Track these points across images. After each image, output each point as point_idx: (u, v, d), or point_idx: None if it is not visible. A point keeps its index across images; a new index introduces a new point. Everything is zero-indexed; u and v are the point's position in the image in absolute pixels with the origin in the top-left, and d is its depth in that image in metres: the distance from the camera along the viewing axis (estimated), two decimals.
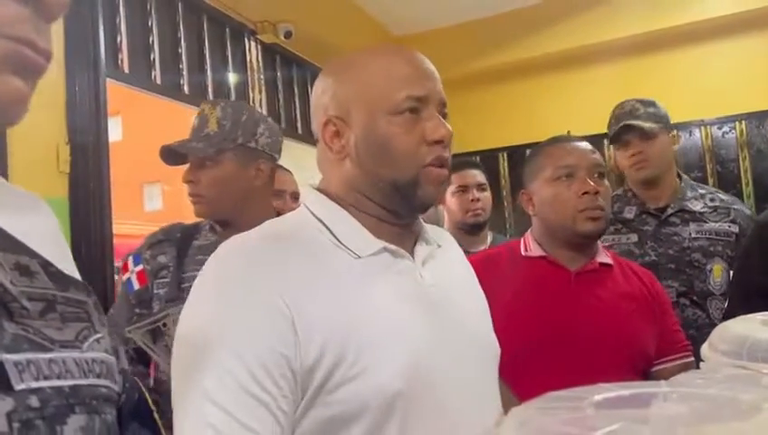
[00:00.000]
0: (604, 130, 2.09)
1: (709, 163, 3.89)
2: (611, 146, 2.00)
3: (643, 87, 3.99)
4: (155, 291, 1.51)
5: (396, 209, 0.88)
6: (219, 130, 1.49)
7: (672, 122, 2.04)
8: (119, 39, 2.47)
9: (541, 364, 1.29)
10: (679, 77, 3.84)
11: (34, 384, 0.42)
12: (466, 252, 1.12)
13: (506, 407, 0.91)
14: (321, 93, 0.91)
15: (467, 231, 2.37)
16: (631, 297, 1.41)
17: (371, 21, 4.08)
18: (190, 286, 0.80)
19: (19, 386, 0.40)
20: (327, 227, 0.85)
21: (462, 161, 2.55)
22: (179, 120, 3.32)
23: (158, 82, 2.68)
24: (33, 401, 0.41)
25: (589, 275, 1.41)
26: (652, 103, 2.02)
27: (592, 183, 1.38)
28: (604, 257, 1.45)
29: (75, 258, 0.62)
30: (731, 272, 1.89)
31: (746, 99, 3.74)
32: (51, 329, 0.46)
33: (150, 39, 2.67)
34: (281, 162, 2.06)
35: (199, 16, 2.99)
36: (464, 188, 2.37)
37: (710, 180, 3.85)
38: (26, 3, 0.45)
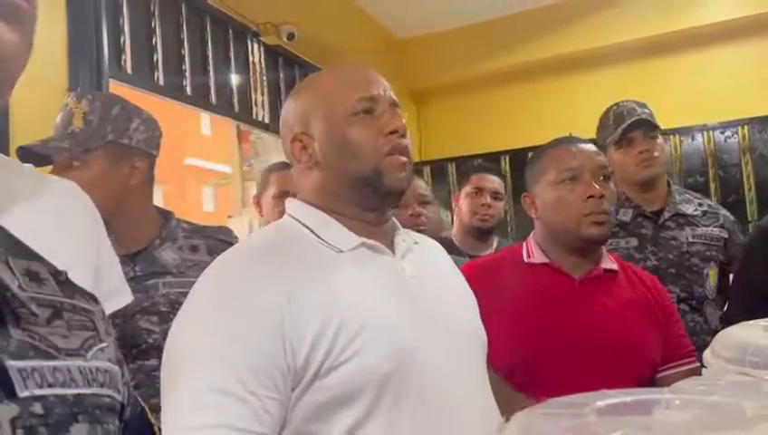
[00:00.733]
0: None
1: (712, 168, 3.89)
2: (613, 146, 1.98)
3: (646, 91, 3.99)
4: None
5: (368, 204, 0.94)
6: (86, 126, 1.35)
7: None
8: (122, 40, 2.48)
9: (544, 373, 1.27)
10: (682, 81, 3.84)
11: (38, 392, 0.41)
12: (471, 256, 1.13)
13: (497, 395, 0.94)
14: (286, 117, 0.99)
15: (474, 235, 2.38)
16: (636, 304, 1.38)
17: (374, 23, 4.08)
18: None
19: (23, 393, 0.40)
20: (310, 229, 0.92)
21: (485, 166, 2.60)
22: (182, 122, 3.32)
23: (161, 83, 2.69)
24: (37, 409, 0.41)
25: (593, 281, 1.38)
26: (646, 105, 2.02)
27: (597, 186, 1.34)
28: (609, 263, 1.42)
29: None
30: (722, 277, 1.91)
31: (749, 103, 3.74)
32: (56, 336, 0.46)
33: (154, 40, 2.67)
34: (274, 160, 2.05)
35: (202, 18, 2.99)
36: (479, 191, 2.38)
37: (712, 185, 3.85)
38: None
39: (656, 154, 1.92)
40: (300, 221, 0.94)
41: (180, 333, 0.82)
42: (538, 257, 1.42)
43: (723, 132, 3.88)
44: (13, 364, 0.41)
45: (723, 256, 1.90)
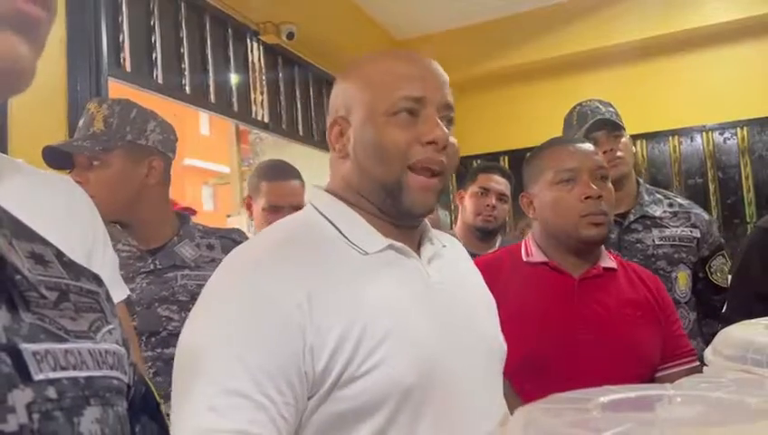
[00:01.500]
0: None
1: (710, 169, 3.89)
2: None
3: (645, 92, 4.01)
4: None
5: (388, 212, 0.88)
6: (106, 128, 1.43)
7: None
8: (121, 38, 2.47)
9: (544, 373, 1.27)
10: (681, 83, 3.85)
11: (52, 375, 0.41)
12: (473, 255, 1.12)
13: (509, 405, 0.91)
14: (334, 97, 0.92)
15: (477, 235, 2.36)
16: (636, 304, 1.38)
17: (374, 23, 4.08)
18: None
19: (38, 376, 0.40)
20: (335, 226, 0.86)
21: (493, 166, 2.55)
22: (180, 121, 3.32)
23: (160, 81, 2.68)
24: (51, 393, 0.40)
25: (592, 281, 1.38)
26: (611, 104, 1.97)
27: (595, 187, 1.34)
28: (608, 261, 1.41)
29: None
30: (695, 278, 1.83)
31: (748, 105, 3.75)
32: (65, 319, 0.45)
33: (153, 39, 2.67)
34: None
35: (202, 16, 2.99)
36: (484, 191, 2.36)
37: (711, 186, 3.85)
38: None
39: (620, 154, 1.85)
40: (325, 216, 0.87)
41: (196, 328, 0.78)
42: (537, 257, 1.42)
43: (722, 134, 3.89)
44: (27, 347, 0.40)
45: (694, 256, 1.84)
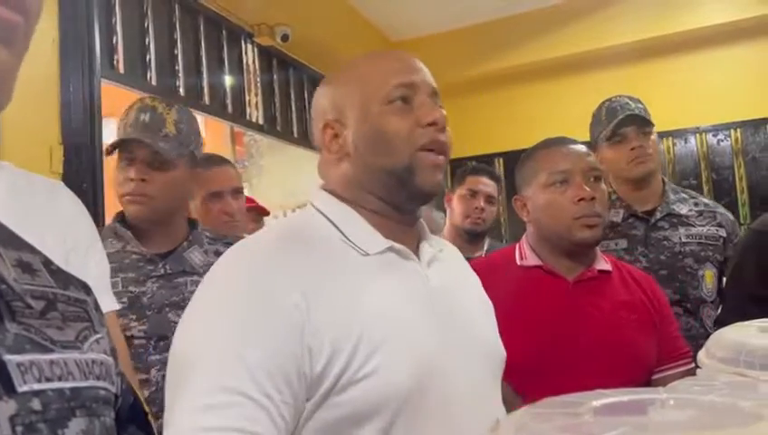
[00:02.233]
0: None
1: (704, 170, 3.90)
2: (605, 142, 1.93)
3: (639, 94, 3.98)
4: None
5: (396, 201, 0.88)
6: (177, 133, 1.45)
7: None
8: (114, 40, 2.47)
9: (538, 376, 1.26)
10: (675, 84, 3.86)
11: (36, 386, 0.40)
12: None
13: (511, 407, 0.91)
14: (318, 102, 0.94)
15: (465, 237, 2.36)
16: (631, 306, 1.37)
17: (369, 25, 4.08)
18: None
19: (22, 388, 0.39)
20: (335, 226, 0.86)
21: (481, 168, 2.54)
22: None
23: (154, 83, 2.68)
24: (36, 404, 0.40)
25: (587, 283, 1.37)
26: (640, 100, 1.98)
27: (588, 188, 1.33)
28: (603, 264, 1.40)
29: None
30: (720, 277, 1.84)
31: (742, 106, 3.76)
32: (52, 329, 0.44)
33: (146, 40, 2.66)
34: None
35: (196, 18, 2.98)
36: (473, 193, 2.36)
37: (705, 188, 3.86)
38: None
39: (649, 151, 1.86)
40: (325, 215, 0.87)
41: (193, 325, 0.77)
42: (531, 260, 1.41)
43: (716, 135, 3.90)
44: (11, 359, 0.40)
45: (720, 255, 1.84)
